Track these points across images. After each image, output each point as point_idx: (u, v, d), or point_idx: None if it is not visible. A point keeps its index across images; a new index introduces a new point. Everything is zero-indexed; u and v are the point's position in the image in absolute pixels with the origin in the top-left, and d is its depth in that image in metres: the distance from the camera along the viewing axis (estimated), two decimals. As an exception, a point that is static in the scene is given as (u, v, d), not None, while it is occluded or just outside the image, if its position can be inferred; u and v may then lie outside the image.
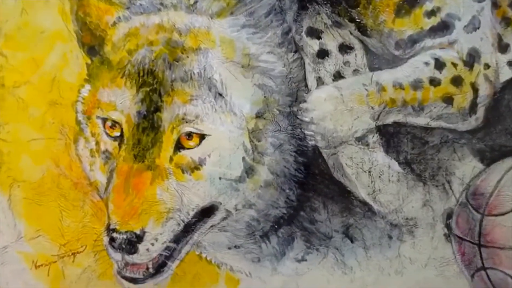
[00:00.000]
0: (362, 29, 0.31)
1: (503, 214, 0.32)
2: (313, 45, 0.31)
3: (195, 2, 0.32)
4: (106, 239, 0.33)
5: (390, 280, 0.33)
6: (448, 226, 0.33)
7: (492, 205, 0.32)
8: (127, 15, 0.31)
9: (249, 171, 0.33)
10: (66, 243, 0.33)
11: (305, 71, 0.32)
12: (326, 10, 0.31)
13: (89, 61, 0.32)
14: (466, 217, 0.33)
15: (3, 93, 0.31)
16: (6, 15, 0.31)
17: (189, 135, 0.32)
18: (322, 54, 0.31)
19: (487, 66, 0.31)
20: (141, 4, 0.31)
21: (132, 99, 0.32)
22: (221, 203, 0.33)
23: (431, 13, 0.31)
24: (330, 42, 0.31)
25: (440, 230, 0.33)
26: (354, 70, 0.31)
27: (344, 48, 0.31)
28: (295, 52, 0.32)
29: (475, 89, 0.31)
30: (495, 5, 0.31)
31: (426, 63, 0.32)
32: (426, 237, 0.32)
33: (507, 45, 0.31)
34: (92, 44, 0.32)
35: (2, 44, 0.31)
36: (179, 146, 0.32)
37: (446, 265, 0.33)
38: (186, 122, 0.32)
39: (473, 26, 0.31)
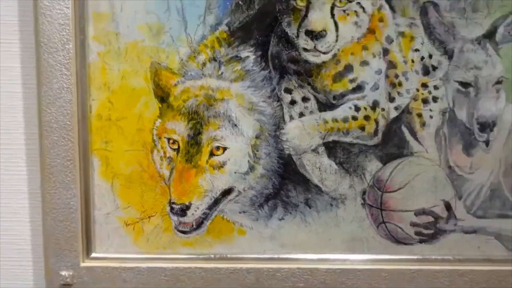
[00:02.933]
0: (314, 89, 0.52)
1: (394, 191, 0.53)
2: (287, 97, 0.52)
3: (222, 73, 0.52)
4: (168, 208, 0.53)
5: (331, 230, 0.53)
6: (363, 199, 0.53)
7: (387, 186, 0.53)
8: (183, 80, 0.52)
9: (251, 168, 0.52)
10: (145, 211, 0.52)
11: (283, 112, 0.52)
12: (295, 78, 0.52)
13: (160, 106, 0.52)
14: (373, 193, 0.53)
15: (110, 124, 0.51)
16: (112, 78, 0.51)
17: (217, 148, 0.52)
18: (292, 102, 0.51)
19: (383, 109, 0.52)
20: (191, 74, 0.52)
21: (185, 127, 0.52)
22: (235, 187, 0.53)
23: (352, 80, 0.52)
24: (297, 96, 0.51)
25: (359, 201, 0.53)
26: (310, 112, 0.51)
27: (305, 99, 0.51)
28: (278, 101, 0.52)
29: (376, 122, 0.52)
30: (387, 76, 0.53)
31: (350, 108, 0.52)
32: (351, 205, 0.53)
33: (394, 98, 0.52)
34: (162, 96, 0.52)
35: (110, 96, 0.51)
36: (211, 154, 0.53)
37: (363, 221, 0.53)
38: (216, 140, 0.52)
39: (375, 87, 0.52)
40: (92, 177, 0.49)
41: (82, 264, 0.48)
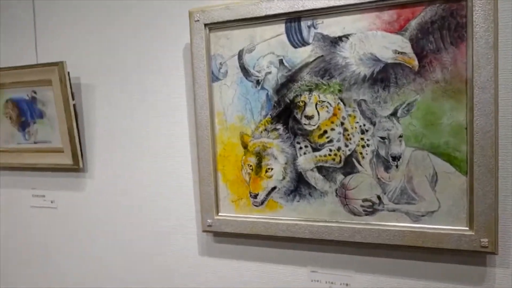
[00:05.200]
0: (310, 141, 1.06)
1: (350, 189, 1.04)
2: (298, 146, 1.06)
3: (269, 136, 1.12)
4: (249, 195, 1.15)
5: (321, 207, 1.07)
6: (336, 193, 1.05)
7: (347, 187, 1.03)
8: (252, 139, 1.12)
9: (283, 178, 1.10)
10: (239, 195, 1.16)
11: (296, 152, 1.09)
12: (301, 137, 1.08)
13: (244, 150, 1.16)
14: (340, 191, 1.04)
15: (224, 158, 1.17)
16: (224, 139, 1.17)
17: (269, 168, 1.12)
18: (300, 148, 1.06)
19: (343, 151, 1.04)
20: (256, 136, 1.13)
21: (255, 159, 1.12)
22: (277, 186, 1.11)
23: (327, 137, 1.04)
24: (302, 145, 1.07)
25: (334, 194, 1.05)
26: (309, 152, 1.06)
27: (306, 146, 1.05)
28: (294, 147, 1.10)
29: (340, 157, 1.04)
30: (343, 135, 1.03)
31: (327, 150, 1.04)
32: (331, 196, 1.05)
33: (347, 145, 1.03)
34: (244, 146, 1.14)
35: (224, 146, 1.17)
36: (266, 171, 1.13)
37: (336, 203, 1.05)
38: (268, 165, 1.11)
39: (338, 140, 1.04)
40: (218, 181, 1.15)
41: (216, 217, 1.14)
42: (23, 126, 1.40)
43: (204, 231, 1.16)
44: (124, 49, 1.28)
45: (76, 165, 1.32)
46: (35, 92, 1.35)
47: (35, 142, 1.39)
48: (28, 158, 1.40)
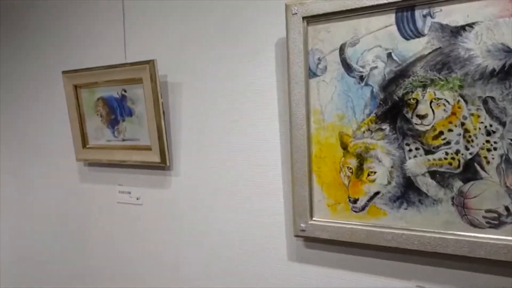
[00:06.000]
0: (422, 143, 0.96)
1: (471, 198, 0.92)
2: (407, 148, 0.98)
3: (372, 136, 1.04)
4: (347, 199, 1.08)
5: (434, 217, 0.97)
6: (453, 202, 0.94)
7: (466, 195, 0.92)
8: (353, 139, 1.04)
9: (389, 182, 1.02)
10: (336, 200, 1.09)
11: (405, 155, 1.00)
12: (411, 138, 0.98)
13: (343, 151, 1.08)
14: (458, 199, 0.93)
15: (320, 159, 1.10)
16: (321, 139, 1.11)
17: (371, 172, 1.03)
18: (410, 150, 0.98)
19: (462, 154, 0.92)
20: (357, 137, 1.05)
21: (355, 161, 1.05)
22: (381, 191, 1.03)
23: (443, 139, 0.93)
24: (412, 147, 0.97)
25: (450, 203, 0.95)
26: (420, 155, 0.96)
27: (417, 149, 0.96)
28: (402, 149, 1.00)
29: (458, 161, 0.92)
30: (464, 136, 0.92)
31: (443, 153, 0.94)
32: (446, 205, 0.95)
33: (468, 148, 0.91)
34: (343, 146, 1.07)
35: (320, 147, 1.11)
36: (368, 174, 1.04)
37: (452, 213, 0.94)
38: (370, 168, 1.03)
39: (457, 142, 0.92)
40: (312, 183, 1.08)
41: (310, 222, 1.08)
42: (112, 123, 1.43)
43: (296, 236, 1.10)
44: (212, 46, 1.26)
45: (163, 163, 1.32)
46: (125, 91, 1.37)
47: (123, 140, 1.42)
48: (116, 155, 1.44)
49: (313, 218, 1.08)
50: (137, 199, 1.45)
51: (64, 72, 1.48)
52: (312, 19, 1.03)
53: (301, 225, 1.08)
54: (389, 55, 0.95)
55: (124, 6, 1.45)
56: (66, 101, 1.50)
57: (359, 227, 1.01)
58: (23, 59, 1.76)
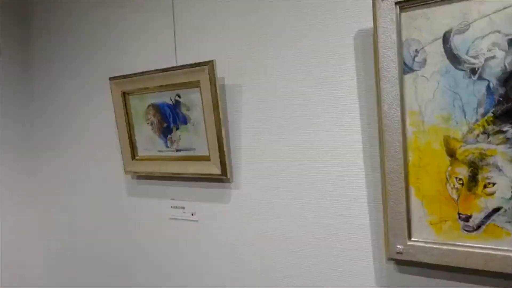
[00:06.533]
0: None
1: None
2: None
3: (490, 140, 0.87)
4: (457, 216, 0.91)
5: None
6: None
7: None
8: (464, 144, 0.88)
9: (512, 195, 0.85)
10: (442, 217, 0.92)
11: None
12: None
13: (450, 159, 0.92)
14: None
15: (419, 169, 0.95)
16: (420, 145, 0.95)
17: (489, 183, 0.87)
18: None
19: None
20: (469, 141, 0.89)
21: (467, 171, 0.89)
22: (502, 206, 0.87)
23: None
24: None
25: None
26: None
27: None
28: None
29: None
30: None
31: None
32: None
33: None
34: (451, 153, 0.91)
35: (419, 154, 0.95)
36: (484, 187, 0.87)
37: None
38: (487, 179, 0.87)
39: None
40: (410, 197, 0.92)
41: (408, 243, 0.91)
42: (165, 132, 1.32)
43: (390, 259, 0.94)
44: (275, 43, 1.12)
45: (224, 174, 1.19)
46: (179, 96, 1.25)
47: (177, 150, 1.30)
48: (170, 166, 1.32)
49: (412, 239, 0.92)
50: (192, 214, 1.32)
51: (111, 79, 1.38)
52: (406, 4, 0.88)
53: (398, 246, 0.92)
54: (511, 42, 0.79)
55: (174, 6, 1.34)
56: (114, 109, 1.40)
57: (476, 250, 0.84)
58: (67, 67, 1.68)
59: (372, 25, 0.95)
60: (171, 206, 1.38)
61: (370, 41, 0.96)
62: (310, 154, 1.08)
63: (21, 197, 1.80)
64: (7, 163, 1.74)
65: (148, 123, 1.35)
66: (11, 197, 1.76)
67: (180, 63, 1.33)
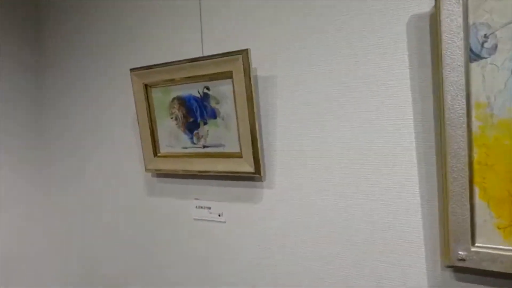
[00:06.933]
0: None
1: None
2: None
3: None
4: None
5: None
6: None
7: None
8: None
9: None
10: (508, 222, 0.85)
11: None
12: None
13: None
14: None
15: (486, 167, 0.85)
16: (487, 141, 0.87)
17: None
18: None
19: None
20: None
21: None
22: None
23: None
24: None
25: None
26: None
27: None
28: None
29: None
30: None
31: None
32: None
33: None
34: None
35: (486, 150, 0.86)
36: None
37: None
38: None
39: None
40: (474, 198, 0.83)
41: (472, 249, 0.83)
42: (190, 128, 1.23)
43: (450, 266, 0.85)
44: (315, 30, 1.04)
45: (257, 173, 1.10)
46: (208, 88, 1.16)
47: (204, 146, 1.21)
48: (195, 164, 1.23)
49: (476, 244, 0.83)
50: (219, 215, 1.24)
51: (132, 70, 1.30)
52: (474, -16, 0.79)
53: (460, 253, 0.83)
54: None
55: (200, -8, 1.26)
56: (135, 102, 1.31)
57: (555, 257, 0.75)
58: (87, 58, 1.59)
59: (426, 10, 0.87)
60: (196, 206, 1.29)
61: (424, 27, 0.88)
62: (355, 151, 0.99)
63: (34, 196, 1.71)
64: (20, 160, 1.66)
65: (172, 118, 1.26)
66: (23, 196, 1.67)
67: (206, 54, 1.24)
